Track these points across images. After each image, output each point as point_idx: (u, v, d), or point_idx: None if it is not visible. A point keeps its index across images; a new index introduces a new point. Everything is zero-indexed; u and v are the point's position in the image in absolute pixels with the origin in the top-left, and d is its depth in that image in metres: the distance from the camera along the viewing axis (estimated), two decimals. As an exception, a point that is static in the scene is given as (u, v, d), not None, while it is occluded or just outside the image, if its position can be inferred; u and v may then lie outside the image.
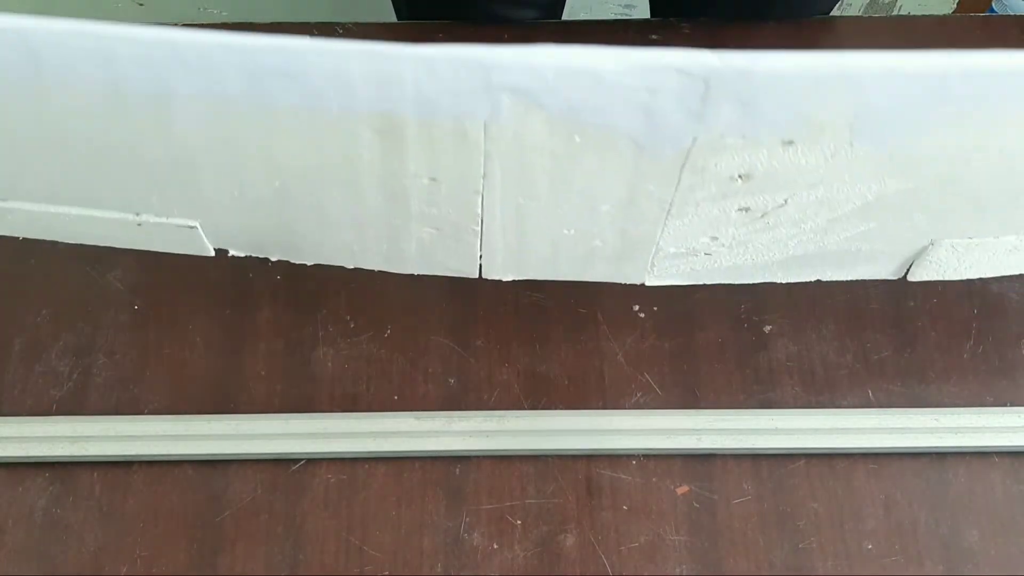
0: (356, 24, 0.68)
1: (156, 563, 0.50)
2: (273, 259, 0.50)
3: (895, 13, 1.30)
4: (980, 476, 0.53)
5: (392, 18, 0.72)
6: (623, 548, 0.51)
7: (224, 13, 1.20)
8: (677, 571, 0.50)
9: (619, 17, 0.99)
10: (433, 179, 0.42)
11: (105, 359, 0.55)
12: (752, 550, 0.51)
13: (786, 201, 0.43)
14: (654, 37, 0.67)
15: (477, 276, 0.49)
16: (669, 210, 0.43)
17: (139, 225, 0.48)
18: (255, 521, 0.51)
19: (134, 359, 0.55)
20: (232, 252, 0.49)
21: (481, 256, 0.48)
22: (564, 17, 0.75)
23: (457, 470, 0.53)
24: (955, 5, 1.30)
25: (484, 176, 0.42)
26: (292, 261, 0.50)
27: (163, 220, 0.48)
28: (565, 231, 0.46)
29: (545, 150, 0.40)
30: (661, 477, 0.53)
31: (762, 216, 0.44)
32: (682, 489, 0.53)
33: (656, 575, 0.50)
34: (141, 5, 1.26)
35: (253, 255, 0.50)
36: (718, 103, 0.36)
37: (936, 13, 1.15)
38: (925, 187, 0.43)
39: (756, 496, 0.52)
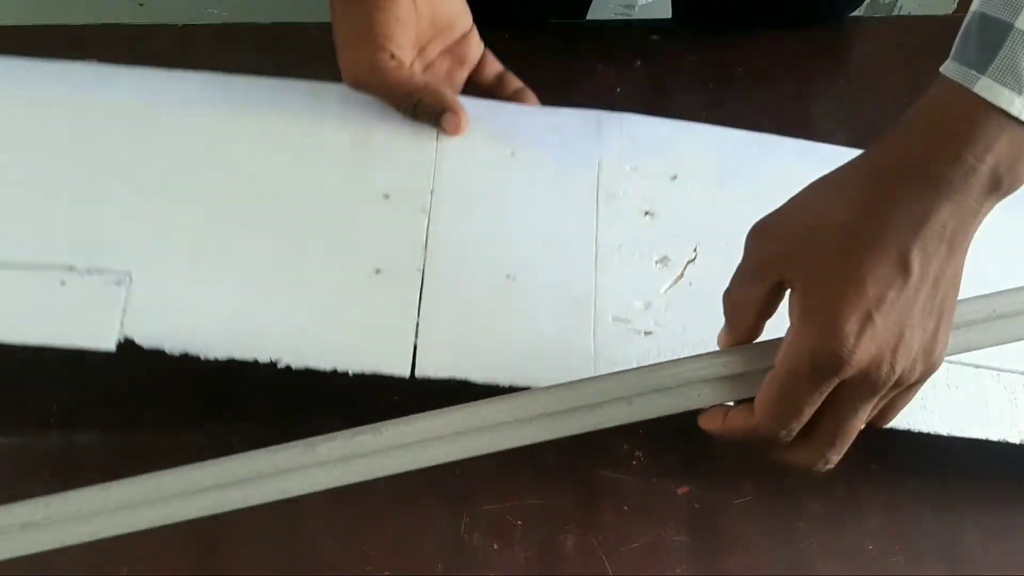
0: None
1: (156, 563, 0.50)
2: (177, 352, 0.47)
3: (896, 13, 1.30)
4: (981, 476, 0.53)
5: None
6: (623, 548, 0.51)
7: (224, 13, 1.20)
8: (677, 571, 0.50)
9: (619, 17, 0.99)
10: (387, 196, 0.51)
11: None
12: (752, 550, 0.51)
13: (695, 251, 0.52)
14: (654, 38, 0.67)
15: (409, 374, 0.47)
16: (596, 252, 0.51)
17: (63, 285, 0.47)
18: (255, 521, 0.51)
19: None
20: (138, 341, 0.47)
21: (417, 336, 0.48)
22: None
23: (457, 470, 0.52)
24: (955, 5, 1.30)
25: (432, 191, 0.51)
26: (203, 355, 0.47)
27: (93, 277, 0.47)
28: (507, 276, 0.50)
29: (486, 161, 0.52)
30: (661, 477, 0.53)
31: (682, 273, 0.51)
32: (682, 489, 0.53)
33: (656, 575, 0.50)
34: (141, 5, 1.26)
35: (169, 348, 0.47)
36: (610, 134, 0.54)
37: (937, 13, 1.15)
38: None
39: (756, 496, 0.52)
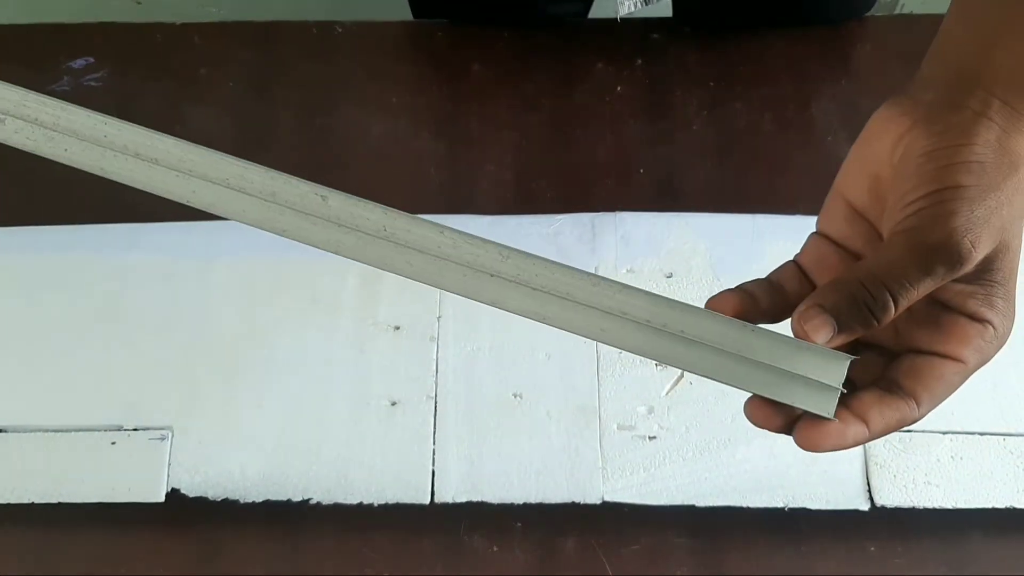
0: (355, 23, 0.67)
1: (156, 563, 0.50)
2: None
3: (897, 12, 1.30)
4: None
5: (390, 16, 0.71)
6: (624, 550, 0.50)
7: (222, 12, 1.19)
8: (678, 572, 0.50)
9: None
10: (397, 327, 0.54)
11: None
12: (753, 551, 0.51)
13: None
14: (654, 36, 0.67)
15: (428, 500, 0.50)
16: (598, 361, 0.53)
17: (113, 444, 0.51)
18: (255, 521, 0.51)
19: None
20: (183, 491, 0.51)
21: (434, 464, 0.51)
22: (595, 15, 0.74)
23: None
24: (956, 4, 1.29)
25: (439, 318, 0.54)
26: (242, 500, 0.50)
27: (139, 434, 0.51)
28: (514, 395, 0.52)
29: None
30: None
31: (682, 374, 0.52)
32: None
33: (657, 576, 0.50)
34: (139, 3, 1.25)
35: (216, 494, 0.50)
36: (605, 236, 0.57)
37: (938, 12, 1.15)
38: None
39: (757, 497, 0.52)
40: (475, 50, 0.66)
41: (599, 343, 0.52)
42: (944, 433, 0.51)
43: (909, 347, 0.34)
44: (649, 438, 0.52)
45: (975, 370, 0.34)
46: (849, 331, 0.31)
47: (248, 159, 0.64)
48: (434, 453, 0.51)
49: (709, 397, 0.52)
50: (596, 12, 0.75)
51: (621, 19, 0.62)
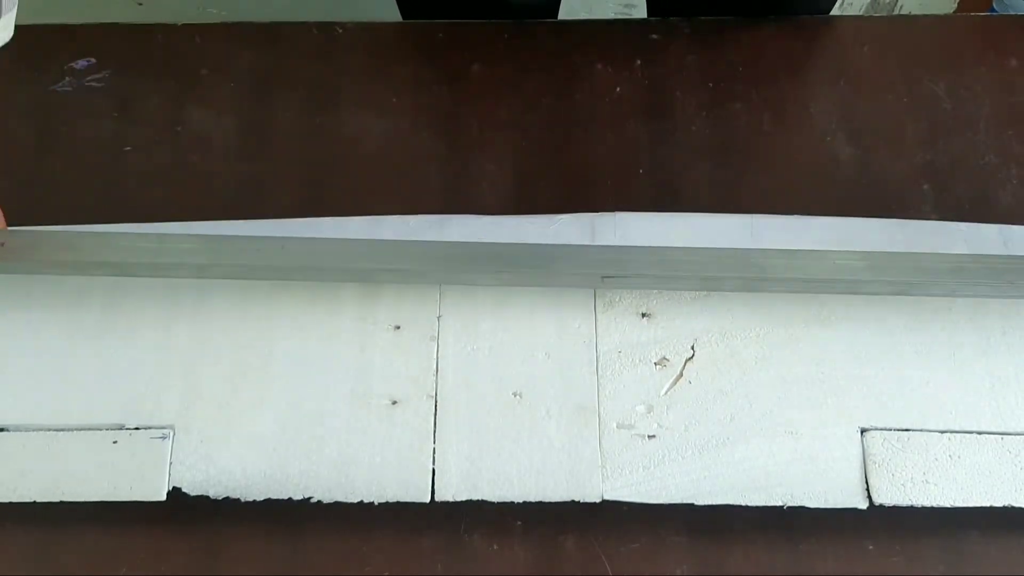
0: (355, 23, 0.67)
1: (156, 563, 0.50)
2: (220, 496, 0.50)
3: (896, 12, 1.30)
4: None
5: (390, 17, 0.72)
6: (623, 548, 0.51)
7: (224, 12, 1.20)
8: (678, 571, 0.50)
9: (619, 16, 0.99)
10: (397, 327, 0.54)
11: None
12: (752, 549, 0.51)
13: (693, 348, 0.53)
14: (654, 37, 0.67)
15: (429, 499, 0.51)
16: (597, 360, 0.53)
17: (115, 443, 0.51)
18: (256, 519, 0.51)
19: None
20: (185, 489, 0.51)
21: (434, 462, 0.51)
22: (564, 16, 0.74)
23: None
24: (956, 4, 1.30)
25: (440, 317, 0.54)
26: (243, 498, 0.50)
27: (141, 433, 0.52)
28: (514, 393, 0.52)
29: (488, 281, 0.54)
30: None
31: (681, 372, 0.53)
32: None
33: (657, 575, 0.50)
34: (140, 4, 1.26)
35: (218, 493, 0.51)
36: (604, 237, 0.57)
37: (937, 12, 1.15)
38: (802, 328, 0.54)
39: (756, 496, 0.52)
40: (475, 50, 0.66)
41: (598, 341, 0.53)
42: (942, 432, 0.52)
43: None
44: (648, 437, 0.52)
45: None
46: None
47: (249, 159, 0.65)
48: (434, 452, 0.51)
49: (708, 396, 0.53)
50: (596, 12, 0.75)
51: (622, 19, 0.62)
